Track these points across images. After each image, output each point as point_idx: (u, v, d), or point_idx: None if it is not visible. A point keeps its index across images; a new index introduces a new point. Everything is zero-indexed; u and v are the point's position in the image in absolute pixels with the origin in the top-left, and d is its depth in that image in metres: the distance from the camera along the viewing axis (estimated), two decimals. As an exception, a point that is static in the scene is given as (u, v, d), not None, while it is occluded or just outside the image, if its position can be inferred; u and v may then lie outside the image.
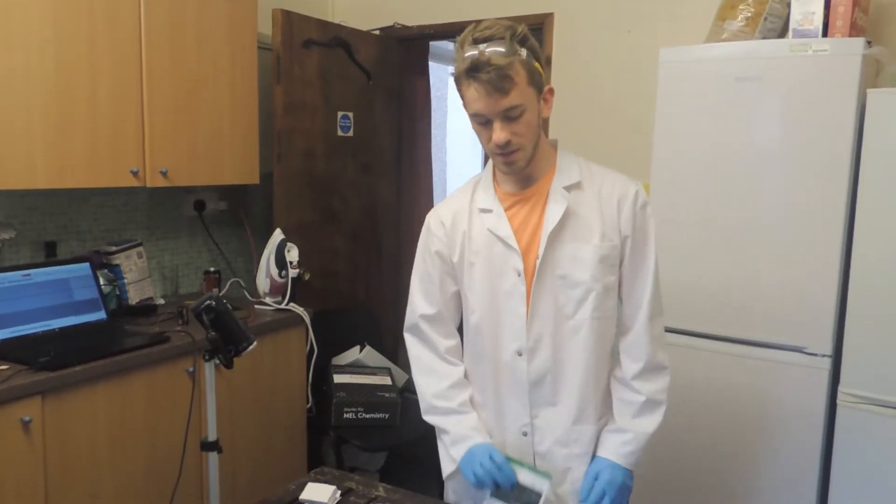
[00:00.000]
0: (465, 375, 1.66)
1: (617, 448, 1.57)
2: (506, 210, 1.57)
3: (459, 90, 1.46)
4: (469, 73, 1.40)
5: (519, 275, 1.53)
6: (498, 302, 1.56)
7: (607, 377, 1.61)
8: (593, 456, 1.59)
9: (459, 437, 1.59)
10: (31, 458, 1.96)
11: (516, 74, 1.39)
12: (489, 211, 1.57)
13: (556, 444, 1.58)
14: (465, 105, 1.48)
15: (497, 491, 1.51)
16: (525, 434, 1.59)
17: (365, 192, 3.58)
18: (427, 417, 1.65)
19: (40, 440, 1.98)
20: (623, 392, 1.60)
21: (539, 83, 1.46)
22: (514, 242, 1.53)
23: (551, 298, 1.53)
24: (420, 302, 1.66)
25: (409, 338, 1.70)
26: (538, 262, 1.52)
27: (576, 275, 1.51)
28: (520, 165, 1.50)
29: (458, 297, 1.66)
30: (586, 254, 1.51)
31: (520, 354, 1.55)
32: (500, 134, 1.43)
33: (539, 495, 1.48)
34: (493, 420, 1.63)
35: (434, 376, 1.65)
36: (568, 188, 1.54)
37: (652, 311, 1.57)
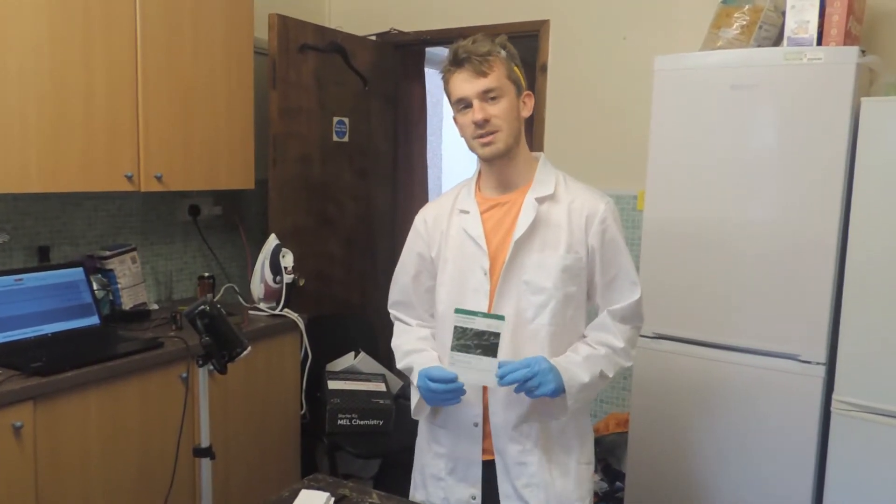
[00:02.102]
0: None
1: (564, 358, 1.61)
2: (482, 213, 1.67)
3: (446, 86, 1.61)
4: (453, 63, 1.58)
5: (485, 274, 1.63)
6: (464, 297, 1.65)
7: None
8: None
9: (418, 365, 1.67)
10: (21, 464, 1.95)
11: (495, 63, 1.56)
12: (467, 212, 1.68)
13: (509, 442, 1.64)
14: (450, 97, 1.62)
15: (457, 343, 1.53)
16: (476, 424, 1.66)
17: (360, 197, 3.58)
18: (400, 365, 1.77)
19: (31, 446, 1.97)
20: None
21: (517, 81, 1.61)
22: (483, 243, 1.63)
23: (514, 302, 1.61)
24: (392, 289, 1.85)
25: (391, 314, 1.88)
26: (504, 265, 1.61)
27: (540, 281, 1.60)
28: (498, 147, 1.59)
29: (434, 292, 1.75)
30: (551, 262, 1.60)
31: None
32: (478, 113, 1.56)
33: (497, 335, 1.52)
34: (451, 408, 1.68)
35: (407, 334, 1.81)
36: (540, 200, 1.64)
37: (624, 316, 1.65)
